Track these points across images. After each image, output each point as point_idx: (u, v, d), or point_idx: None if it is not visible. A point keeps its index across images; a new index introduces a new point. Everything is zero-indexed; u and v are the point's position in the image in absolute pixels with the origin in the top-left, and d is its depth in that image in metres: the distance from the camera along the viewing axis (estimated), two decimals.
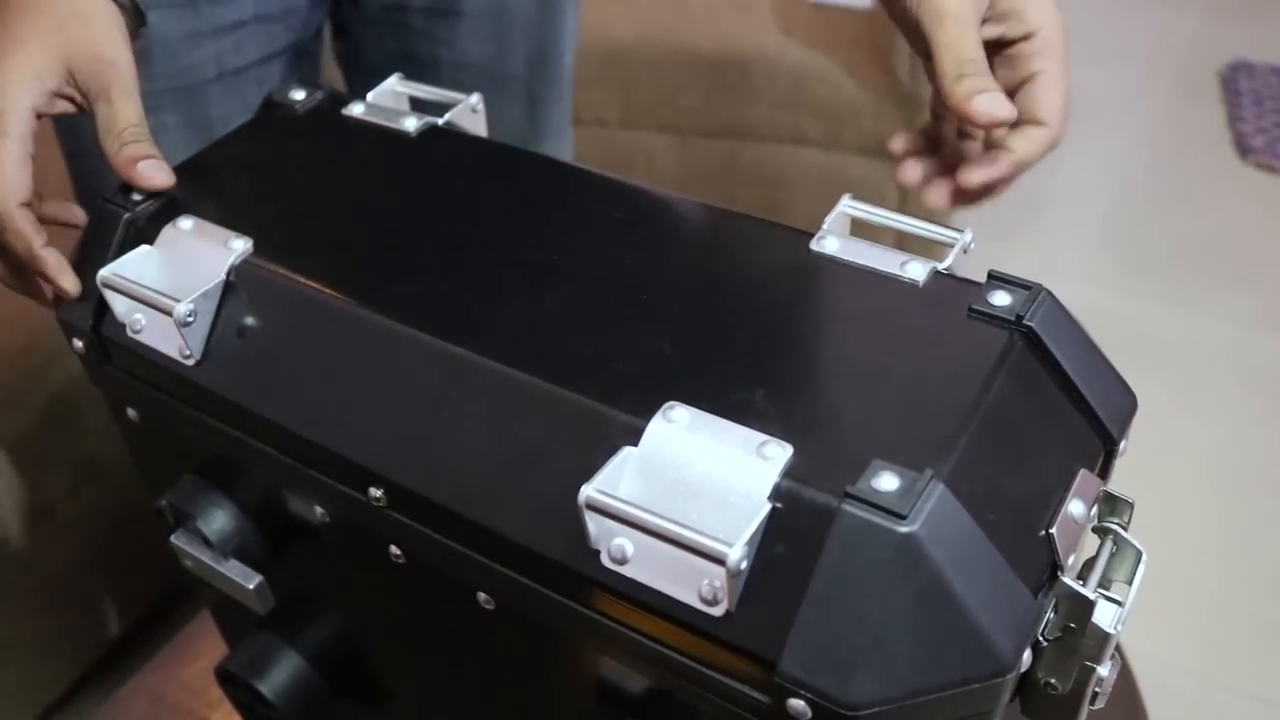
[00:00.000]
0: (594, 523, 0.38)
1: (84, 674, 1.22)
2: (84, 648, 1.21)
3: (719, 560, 0.35)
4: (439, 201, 0.52)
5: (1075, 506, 0.40)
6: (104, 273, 0.49)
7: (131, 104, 0.55)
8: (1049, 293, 0.43)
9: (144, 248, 0.51)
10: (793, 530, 0.36)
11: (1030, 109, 0.55)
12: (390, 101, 0.59)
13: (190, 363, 0.49)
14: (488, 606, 0.45)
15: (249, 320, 0.49)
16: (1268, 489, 1.54)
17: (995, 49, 0.55)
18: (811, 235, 0.47)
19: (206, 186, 0.54)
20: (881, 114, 1.54)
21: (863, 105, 1.55)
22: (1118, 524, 0.41)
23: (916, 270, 0.45)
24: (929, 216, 0.49)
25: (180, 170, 0.54)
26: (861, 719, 0.35)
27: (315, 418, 0.47)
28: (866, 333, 0.43)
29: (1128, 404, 0.44)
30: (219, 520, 0.53)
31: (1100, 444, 0.43)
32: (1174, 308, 1.85)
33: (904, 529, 0.35)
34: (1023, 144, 0.55)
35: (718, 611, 0.37)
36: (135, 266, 0.50)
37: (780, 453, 0.37)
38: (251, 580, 0.54)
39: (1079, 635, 0.38)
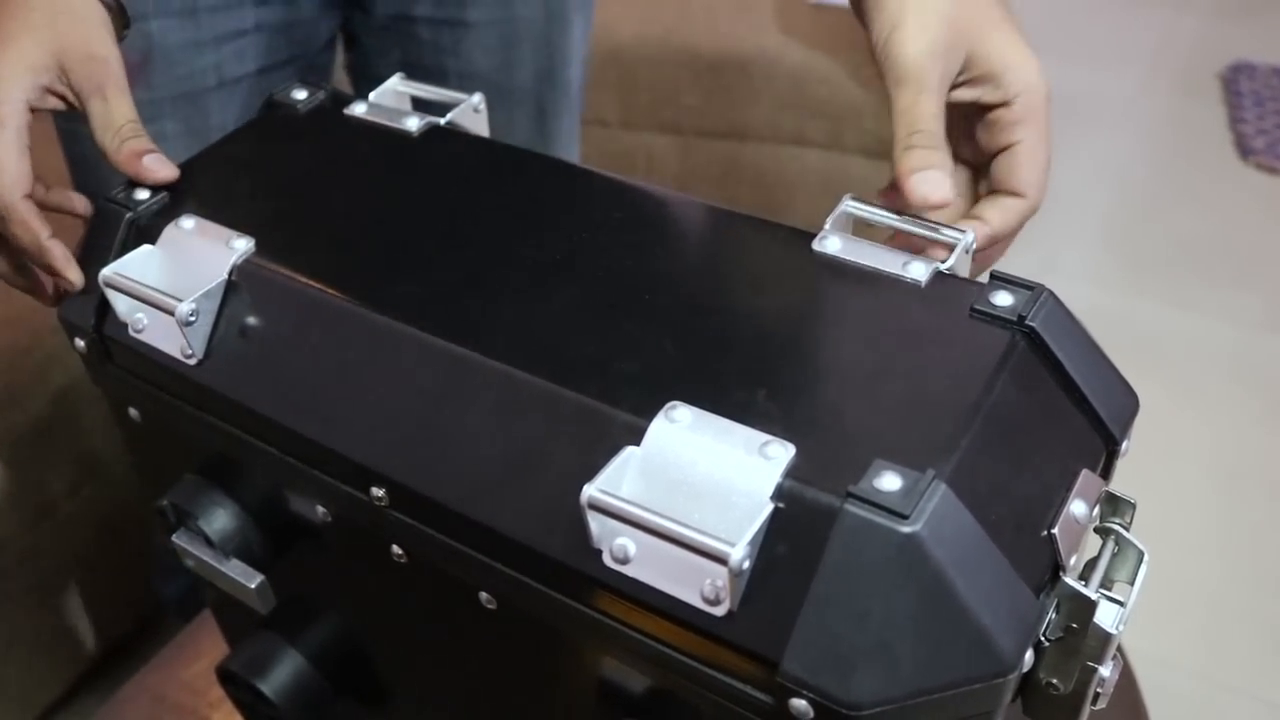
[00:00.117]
0: (596, 522, 0.38)
1: (84, 674, 1.22)
2: (84, 647, 1.21)
3: (721, 560, 0.35)
4: (441, 201, 0.52)
5: (1077, 507, 0.40)
6: (106, 272, 0.49)
7: (125, 101, 0.55)
8: (1051, 293, 0.43)
9: (146, 247, 0.51)
10: (795, 530, 0.36)
11: (1007, 179, 0.51)
12: (392, 101, 0.59)
13: (192, 362, 0.49)
14: (489, 606, 0.45)
15: (251, 320, 0.49)
16: (1268, 489, 1.54)
17: (978, 110, 0.52)
18: (813, 235, 0.47)
19: (208, 186, 0.54)
20: (883, 115, 1.54)
21: (864, 106, 1.55)
22: (1119, 524, 0.41)
23: (919, 270, 0.45)
24: (930, 217, 0.49)
25: (182, 170, 0.54)
26: (863, 718, 0.35)
27: (317, 417, 0.47)
28: (869, 333, 0.43)
29: (1129, 404, 0.44)
30: (220, 520, 0.53)
31: (1102, 444, 0.43)
32: (1175, 308, 1.85)
33: (906, 529, 0.35)
34: (997, 215, 0.51)
35: (720, 611, 0.37)
36: (137, 266, 0.50)
37: (782, 452, 0.37)
38: (253, 580, 0.53)
39: (1081, 635, 0.38)
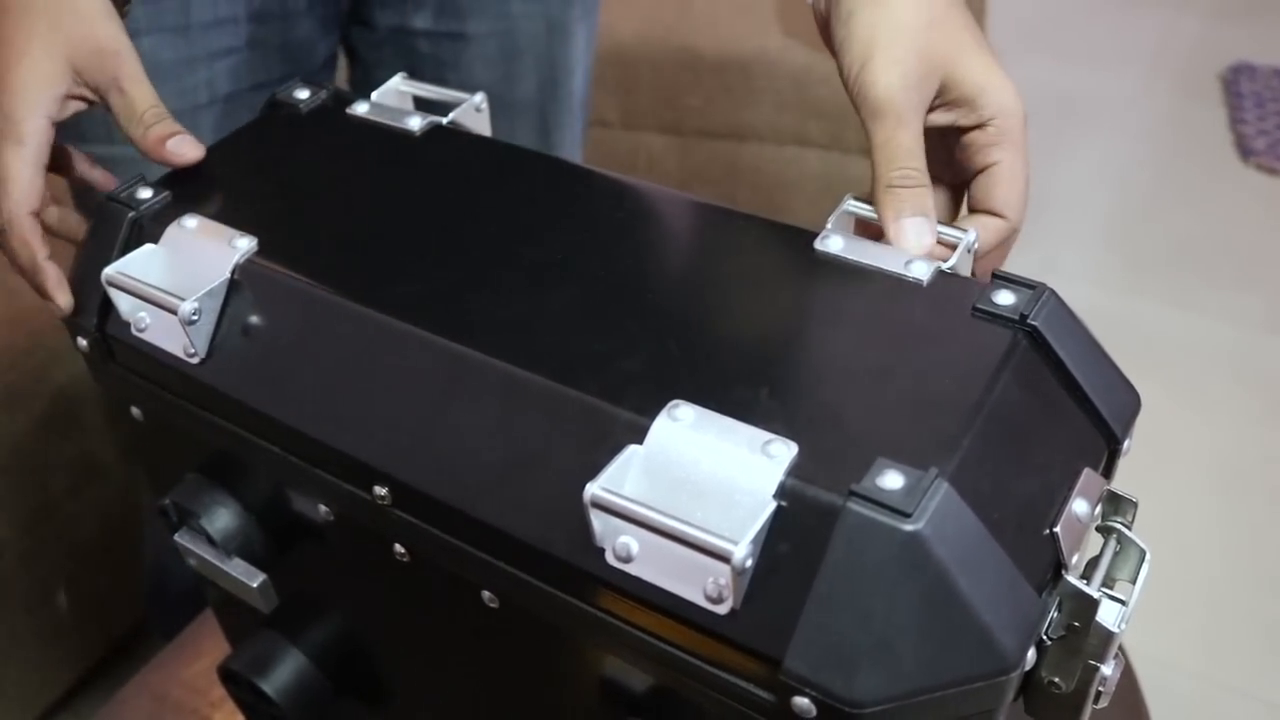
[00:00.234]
0: (599, 521, 0.38)
1: (84, 674, 1.22)
2: (84, 647, 1.21)
3: (724, 558, 0.35)
4: (443, 200, 0.52)
5: (1079, 505, 0.40)
6: (109, 271, 0.49)
7: (144, 88, 0.55)
8: (1053, 292, 0.43)
9: (148, 246, 0.51)
10: (797, 528, 0.36)
11: (986, 200, 0.51)
12: (394, 101, 0.59)
13: (195, 361, 0.49)
14: (492, 605, 0.45)
15: (253, 319, 0.49)
16: (1268, 489, 1.54)
17: (955, 133, 0.52)
18: (815, 234, 0.47)
19: (211, 185, 0.54)
20: None
21: None
22: (1121, 523, 0.41)
23: (920, 269, 0.45)
24: None
25: (185, 170, 0.54)
26: (866, 717, 0.35)
27: (320, 416, 0.47)
28: (871, 331, 0.43)
29: (1131, 403, 0.44)
30: (223, 519, 0.53)
31: (1104, 443, 0.43)
32: (1175, 309, 1.85)
33: (909, 527, 0.35)
34: (979, 233, 0.50)
35: (722, 610, 0.37)
36: (140, 265, 0.50)
37: (785, 451, 0.37)
38: (255, 579, 0.54)
39: (1083, 634, 0.38)
